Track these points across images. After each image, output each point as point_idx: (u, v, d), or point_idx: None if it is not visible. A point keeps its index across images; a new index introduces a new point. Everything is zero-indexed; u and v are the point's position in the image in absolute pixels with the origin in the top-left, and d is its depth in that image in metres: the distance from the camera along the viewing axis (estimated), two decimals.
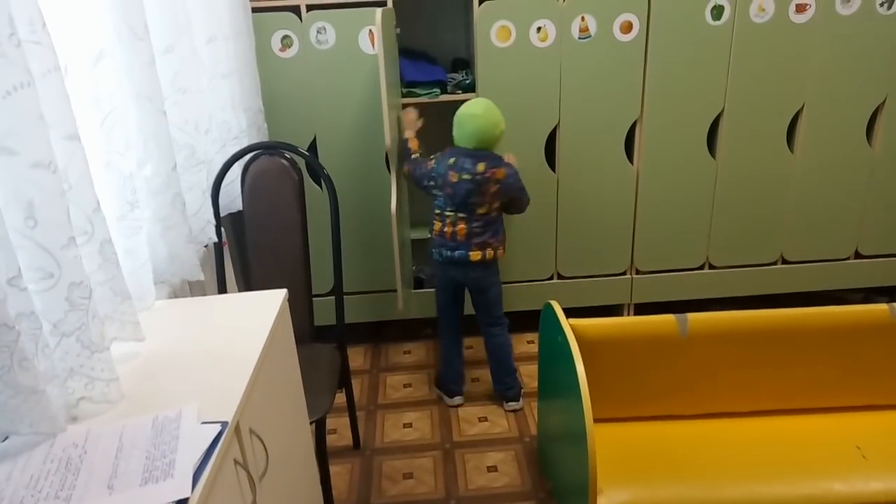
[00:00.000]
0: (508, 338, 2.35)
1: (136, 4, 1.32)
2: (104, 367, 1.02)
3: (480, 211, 2.15)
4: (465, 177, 2.11)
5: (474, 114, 2.08)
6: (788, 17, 2.39)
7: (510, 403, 2.37)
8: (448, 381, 2.41)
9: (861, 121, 2.56)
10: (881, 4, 2.38)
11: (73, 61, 1.15)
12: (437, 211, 2.22)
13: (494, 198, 2.14)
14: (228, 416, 0.99)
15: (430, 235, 2.30)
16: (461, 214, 2.16)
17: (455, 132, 2.14)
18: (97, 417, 1.01)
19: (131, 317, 1.16)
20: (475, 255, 2.18)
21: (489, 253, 2.19)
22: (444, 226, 2.20)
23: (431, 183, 2.19)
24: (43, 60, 0.93)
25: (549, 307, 1.83)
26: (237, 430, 1.02)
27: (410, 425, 2.30)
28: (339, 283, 1.96)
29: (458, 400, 2.40)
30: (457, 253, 2.19)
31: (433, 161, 2.19)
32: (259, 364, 1.15)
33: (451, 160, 2.14)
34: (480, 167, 2.10)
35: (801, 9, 2.38)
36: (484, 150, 2.12)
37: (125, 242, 1.28)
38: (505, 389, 2.36)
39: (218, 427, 0.95)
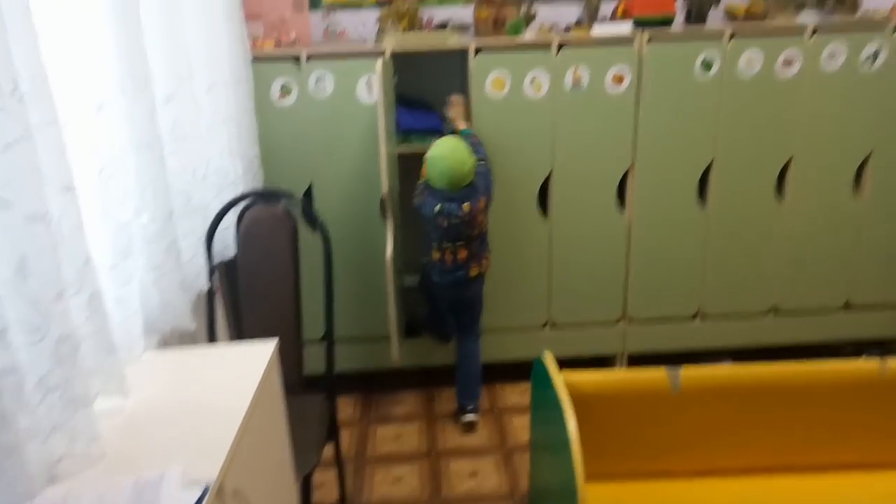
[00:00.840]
0: (479, 349, 2.51)
1: (140, 55, 1.33)
2: (87, 423, 0.99)
3: (474, 234, 2.27)
4: (455, 221, 2.19)
5: (441, 156, 2.13)
6: (775, 72, 2.46)
7: (468, 416, 2.48)
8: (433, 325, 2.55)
9: (848, 173, 2.60)
10: (864, 61, 2.45)
11: (74, 112, 1.15)
12: (435, 243, 2.29)
13: (483, 219, 2.26)
14: (212, 476, 0.96)
15: (425, 260, 2.36)
16: (460, 243, 2.26)
17: (427, 172, 2.19)
18: (76, 477, 0.98)
19: (117, 370, 1.14)
20: (474, 271, 2.31)
21: (484, 264, 2.34)
22: (443, 254, 2.28)
23: (422, 218, 2.27)
24: (43, 113, 0.93)
25: (541, 360, 1.81)
26: (220, 491, 0.99)
27: (400, 480, 2.25)
28: (331, 332, 1.93)
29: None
30: (458, 274, 2.29)
31: (418, 197, 2.26)
32: (245, 421, 1.12)
33: (437, 207, 2.18)
34: (466, 208, 2.17)
35: (787, 63, 2.45)
36: (462, 189, 2.16)
37: (116, 291, 1.27)
38: (467, 398, 2.48)
39: (200, 491, 0.92)
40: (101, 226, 1.22)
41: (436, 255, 2.30)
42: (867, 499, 1.70)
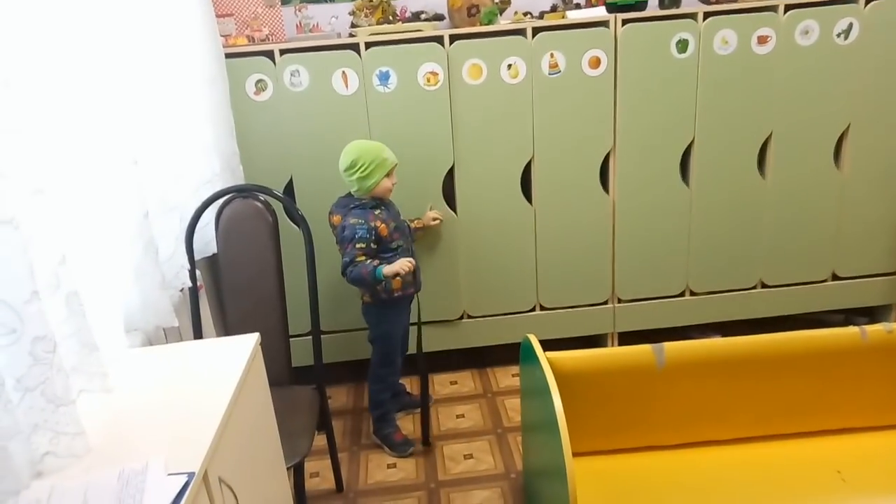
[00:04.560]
0: (370, 384, 2.38)
1: (107, 57, 1.34)
2: (69, 420, 1.01)
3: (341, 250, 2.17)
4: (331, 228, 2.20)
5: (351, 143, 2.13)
6: (751, 49, 2.47)
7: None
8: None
9: (828, 146, 2.62)
10: (838, 35, 2.46)
11: (40, 116, 1.16)
12: None
13: (338, 237, 2.16)
14: (196, 467, 0.98)
15: None
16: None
17: None
18: (62, 472, 0.99)
19: (99, 368, 1.15)
20: (364, 296, 2.25)
21: (365, 299, 2.24)
22: None
23: None
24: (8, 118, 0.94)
25: (528, 341, 1.83)
26: (206, 479, 1.01)
27: (394, 465, 2.27)
28: (317, 323, 1.95)
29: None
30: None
31: None
32: (229, 411, 1.14)
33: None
34: (335, 220, 2.15)
35: (762, 40, 2.46)
36: (345, 198, 2.16)
37: (94, 292, 1.28)
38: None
39: (184, 478, 0.94)
40: (75, 227, 1.23)
41: None
42: (849, 460, 1.73)
